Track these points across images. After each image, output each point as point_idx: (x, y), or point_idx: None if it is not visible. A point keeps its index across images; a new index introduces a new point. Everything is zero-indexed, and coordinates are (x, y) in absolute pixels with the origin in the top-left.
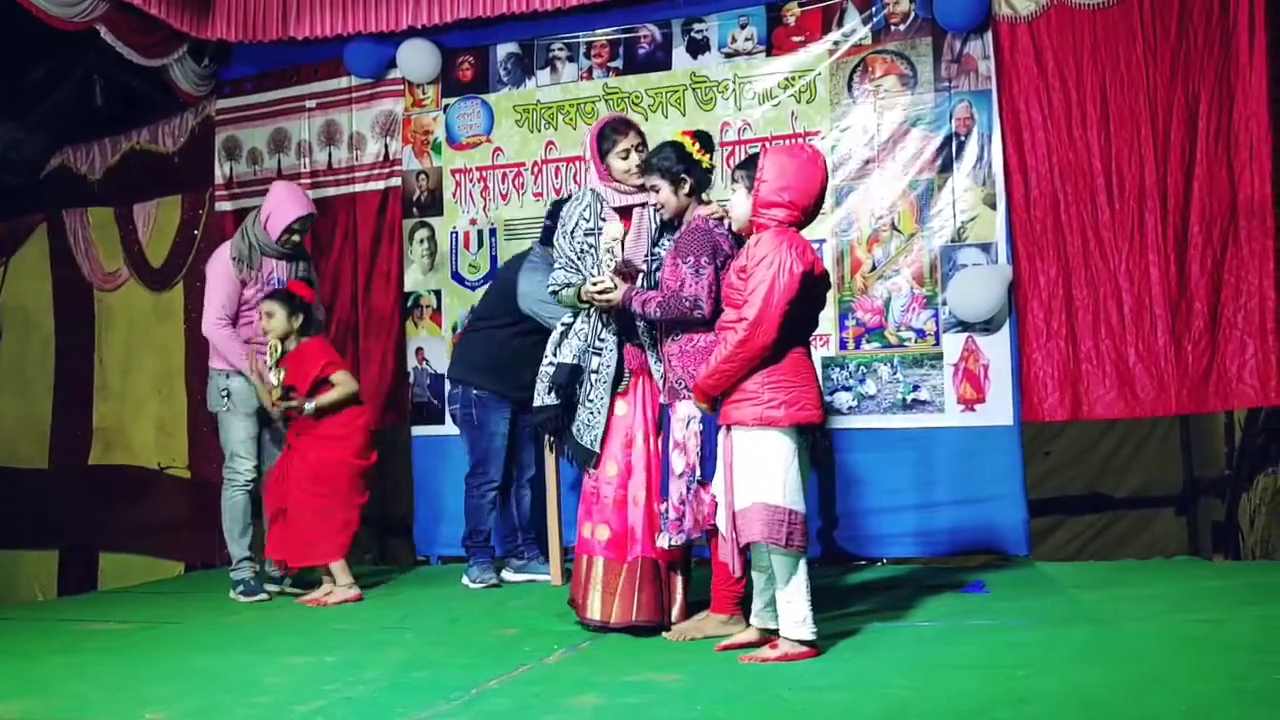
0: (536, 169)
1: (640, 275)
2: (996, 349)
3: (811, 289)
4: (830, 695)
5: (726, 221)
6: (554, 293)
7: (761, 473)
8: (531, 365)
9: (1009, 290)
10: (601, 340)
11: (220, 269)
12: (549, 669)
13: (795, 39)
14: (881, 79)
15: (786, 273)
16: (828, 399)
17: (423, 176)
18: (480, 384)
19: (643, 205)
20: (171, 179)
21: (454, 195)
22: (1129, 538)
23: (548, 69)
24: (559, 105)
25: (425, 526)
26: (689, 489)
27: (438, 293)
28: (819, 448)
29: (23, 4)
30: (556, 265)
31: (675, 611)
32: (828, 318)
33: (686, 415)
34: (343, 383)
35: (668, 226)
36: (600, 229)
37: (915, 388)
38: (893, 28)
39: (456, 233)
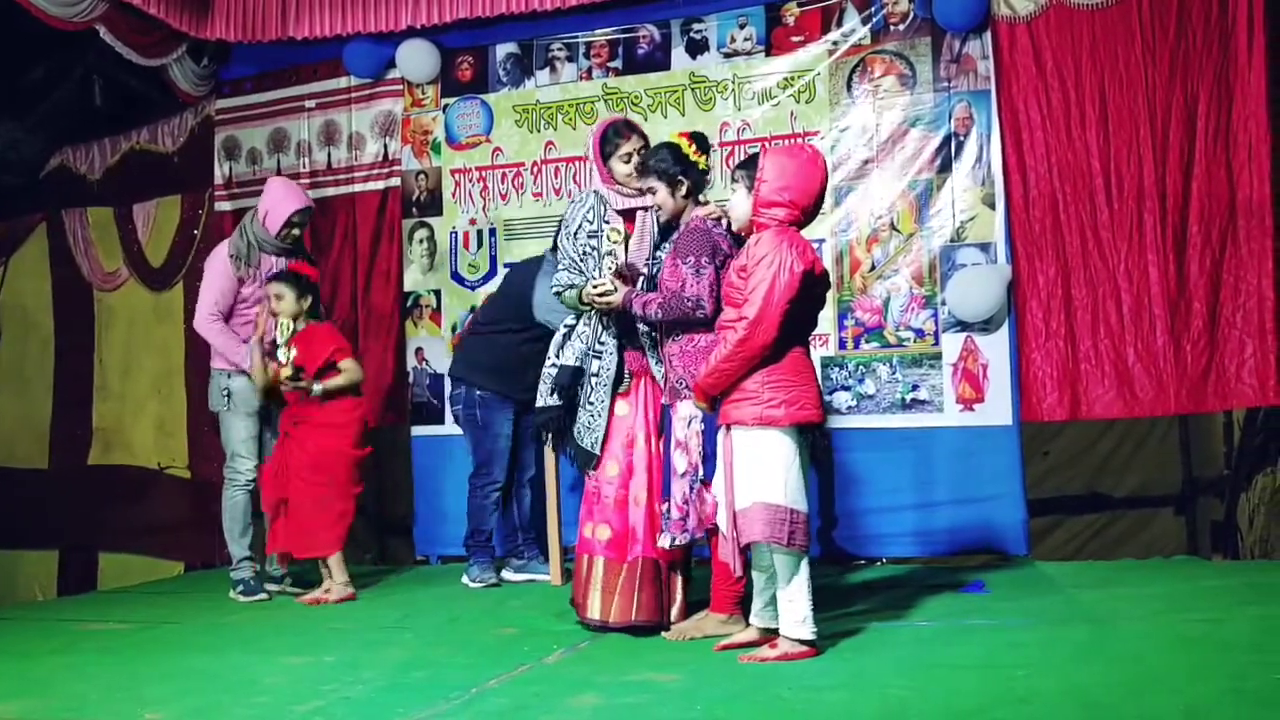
0: (536, 169)
1: (641, 278)
2: (995, 349)
3: (811, 288)
4: (829, 695)
5: (724, 221)
6: (557, 294)
7: (762, 472)
8: (536, 369)
9: (1008, 290)
10: (602, 343)
11: (217, 266)
12: (548, 669)
13: (794, 39)
14: (881, 79)
15: (787, 272)
16: (827, 399)
17: (422, 176)
18: (484, 385)
19: (646, 209)
20: (171, 179)
21: (453, 195)
22: (1128, 537)
23: (547, 69)
24: (558, 105)
25: (425, 526)
26: (691, 488)
27: (437, 293)
28: (819, 447)
29: (22, 4)
30: (560, 266)
31: (675, 611)
32: (827, 317)
33: (688, 415)
34: (350, 370)
35: (666, 228)
36: (603, 231)
37: (914, 387)
38: (892, 28)
39: (456, 233)
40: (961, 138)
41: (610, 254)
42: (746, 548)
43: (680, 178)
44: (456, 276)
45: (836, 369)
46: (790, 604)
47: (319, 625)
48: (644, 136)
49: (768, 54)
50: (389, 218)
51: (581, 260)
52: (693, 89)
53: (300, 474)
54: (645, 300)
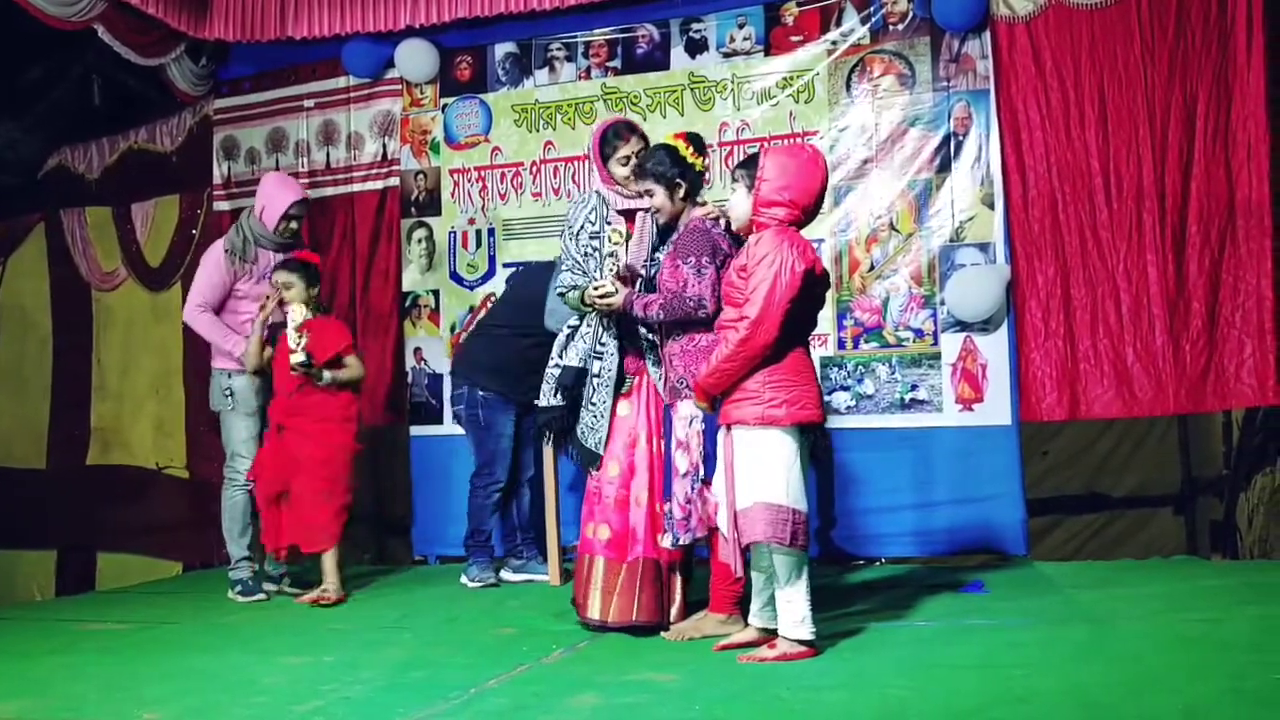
0: (535, 169)
1: (639, 280)
2: (995, 349)
3: (812, 288)
4: (828, 695)
5: (723, 221)
6: (561, 295)
7: (763, 472)
8: (539, 373)
9: (1007, 290)
10: (603, 344)
11: (211, 260)
12: (547, 669)
13: (793, 39)
14: (880, 79)
15: (788, 271)
16: (826, 398)
17: (421, 176)
18: (487, 385)
19: (646, 210)
20: (169, 178)
21: (452, 195)
22: (1127, 537)
23: (546, 69)
24: (557, 105)
25: (423, 526)
26: (693, 488)
27: (436, 292)
28: (819, 447)
29: (20, 3)
30: (563, 267)
31: (674, 611)
32: (826, 317)
33: (688, 414)
34: (355, 366)
35: (664, 230)
36: (605, 231)
37: (913, 387)
38: (891, 27)
39: (455, 232)
40: (960, 137)
41: (612, 255)
42: (747, 548)
43: (678, 180)
44: (455, 276)
45: (835, 369)
46: (789, 604)
47: (318, 625)
48: (644, 138)
49: (767, 54)
50: (387, 217)
51: (583, 260)
52: (692, 89)
53: (307, 467)
54: (646, 301)
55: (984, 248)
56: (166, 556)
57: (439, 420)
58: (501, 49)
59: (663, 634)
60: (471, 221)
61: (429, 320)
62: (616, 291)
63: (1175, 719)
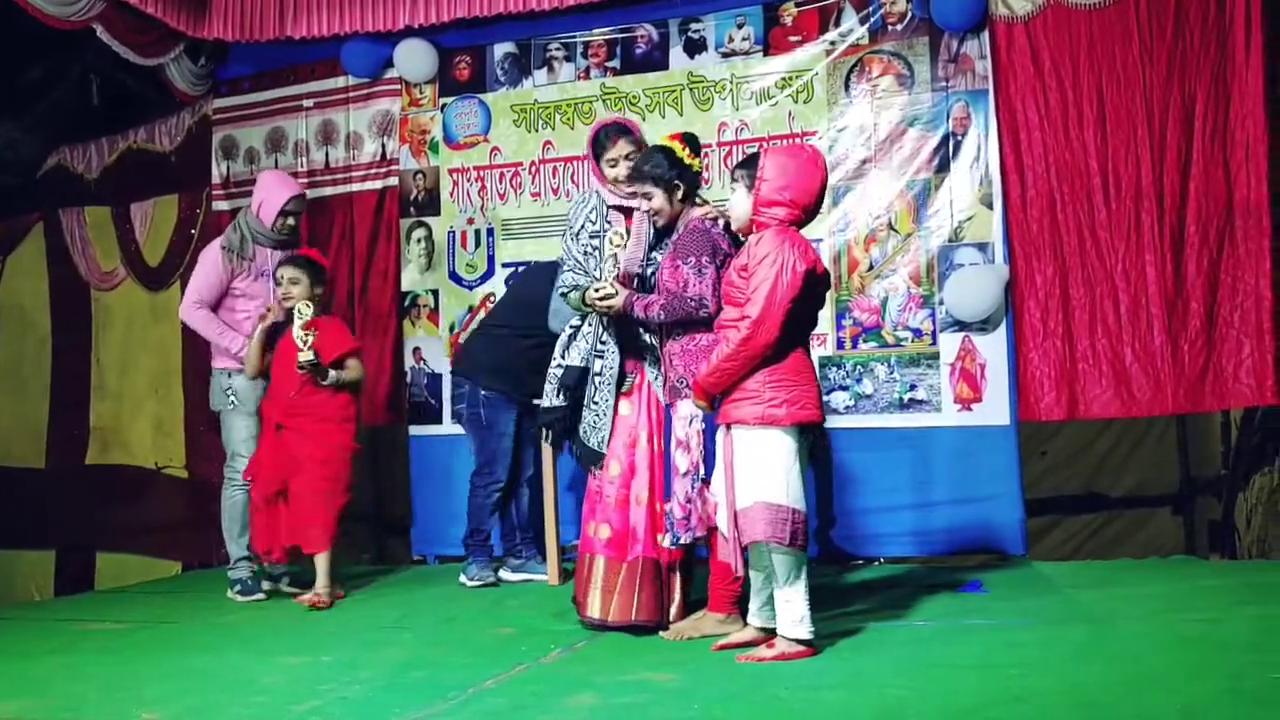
0: (534, 169)
1: (636, 279)
2: (993, 348)
3: (813, 287)
4: (827, 694)
5: (721, 221)
6: (564, 295)
7: (763, 472)
8: (540, 374)
9: (1006, 290)
10: (604, 343)
11: (209, 257)
12: (546, 668)
13: (792, 39)
14: (878, 79)
15: (790, 271)
16: (824, 398)
17: (420, 176)
18: (489, 385)
19: (641, 210)
20: (168, 178)
21: (451, 195)
22: (1125, 537)
23: (545, 69)
24: (556, 105)
25: (422, 526)
26: (693, 487)
27: (435, 292)
28: (818, 447)
29: (19, 3)
30: (565, 267)
31: (673, 611)
32: (825, 317)
33: (689, 414)
34: (357, 368)
35: (662, 231)
36: (606, 230)
37: (912, 387)
38: (890, 27)
39: (454, 232)
40: (959, 137)
41: (613, 257)
42: (746, 547)
43: (676, 181)
44: (454, 276)
45: (834, 369)
46: (787, 604)
47: (317, 625)
48: (635, 140)
49: (766, 54)
50: (386, 217)
51: (584, 260)
52: (691, 89)
53: (308, 468)
54: (647, 303)
55: (982, 248)
56: (165, 556)
57: (438, 420)
58: (500, 49)
59: (661, 633)
60: (470, 221)
61: (428, 320)
62: (616, 293)
63: (1173, 719)
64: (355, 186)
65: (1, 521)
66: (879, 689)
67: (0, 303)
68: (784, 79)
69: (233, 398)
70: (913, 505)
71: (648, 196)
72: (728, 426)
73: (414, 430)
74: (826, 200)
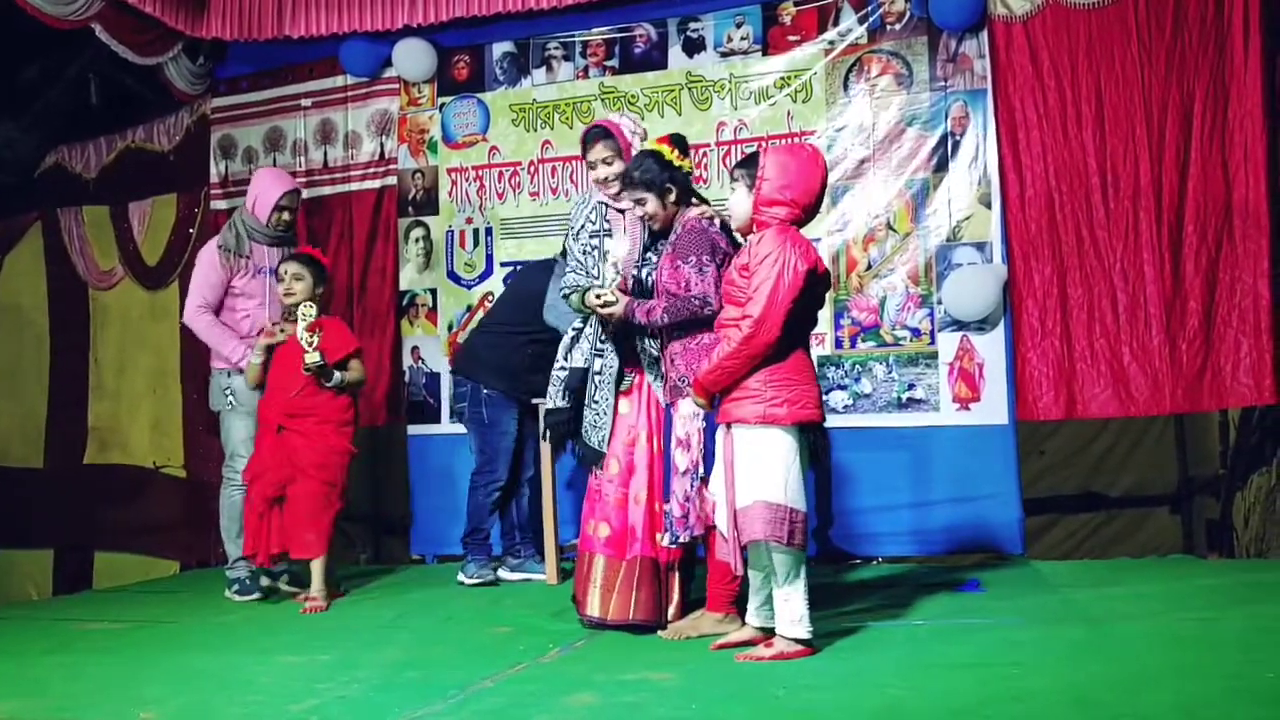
0: (533, 168)
1: (632, 280)
2: (991, 348)
3: (814, 287)
4: (825, 694)
5: (717, 220)
6: (566, 296)
7: (763, 471)
8: (541, 372)
9: (1004, 289)
10: (603, 342)
11: (206, 258)
12: (544, 668)
13: (791, 38)
14: (877, 78)
15: (791, 270)
16: (823, 398)
17: (418, 175)
18: (491, 384)
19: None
20: (167, 177)
21: (450, 194)
22: (1123, 536)
23: (543, 68)
24: (555, 104)
25: (421, 526)
26: (692, 485)
27: (433, 291)
28: (819, 447)
29: (18, 2)
30: (568, 269)
31: (672, 610)
32: (823, 317)
33: (689, 413)
34: (359, 369)
35: (658, 234)
36: (606, 229)
37: (910, 386)
38: (888, 27)
39: (452, 231)
40: (958, 137)
41: (614, 265)
42: (745, 546)
43: (668, 185)
44: (453, 275)
45: (833, 368)
46: (786, 603)
47: (315, 624)
48: (615, 144)
49: (764, 53)
50: (385, 216)
51: (584, 258)
52: (689, 88)
53: (307, 471)
54: (649, 308)
55: (981, 247)
56: (163, 556)
57: (436, 419)
58: (499, 48)
59: (660, 633)
60: (469, 220)
61: (426, 319)
62: (617, 301)
63: (1171, 718)
64: (354, 186)
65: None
66: (877, 688)
67: None
68: (783, 78)
69: (231, 398)
70: (911, 505)
71: (641, 202)
72: (728, 425)
73: (412, 430)
74: (825, 200)
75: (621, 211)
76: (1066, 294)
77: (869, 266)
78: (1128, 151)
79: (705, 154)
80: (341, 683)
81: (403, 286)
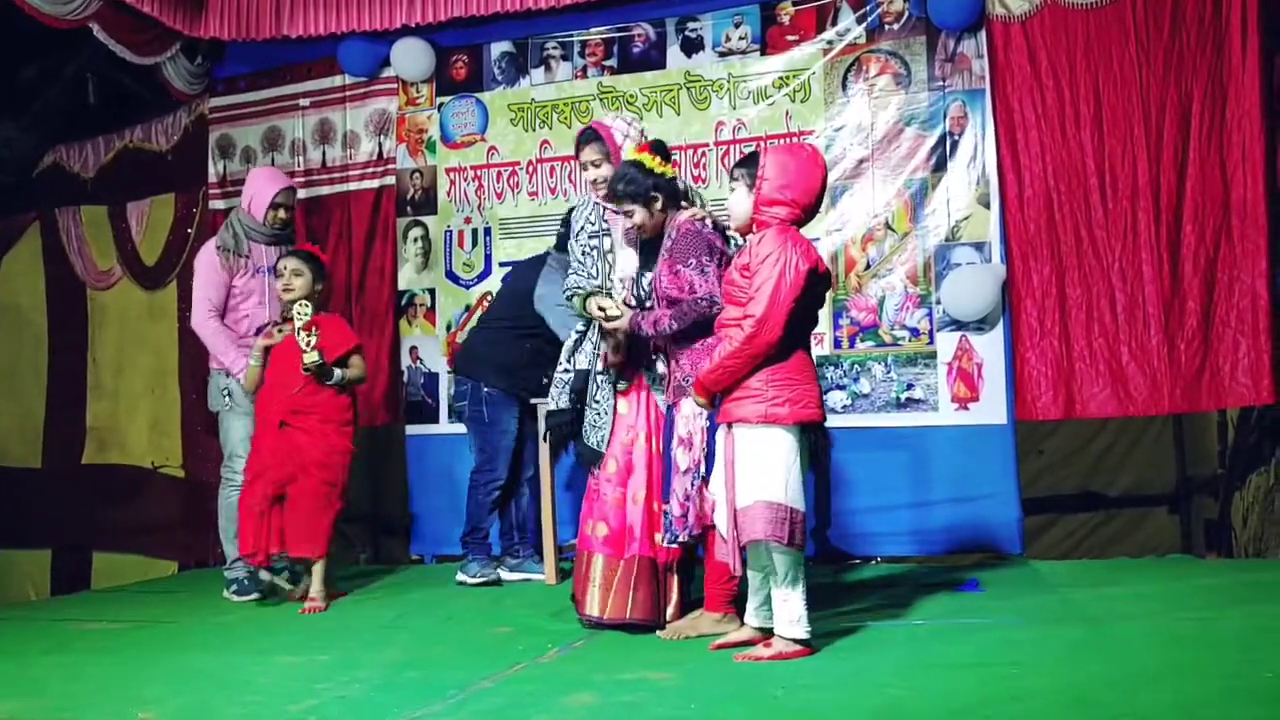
0: (531, 168)
1: (632, 282)
2: (990, 348)
3: (815, 286)
4: (824, 694)
5: (708, 221)
6: (569, 298)
7: (764, 470)
8: (541, 369)
9: (1002, 289)
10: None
11: (206, 260)
12: (543, 667)
13: (789, 38)
14: (876, 78)
15: (793, 270)
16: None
17: (417, 175)
18: (492, 382)
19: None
20: (165, 177)
21: (448, 194)
22: (1122, 536)
23: (542, 68)
24: (553, 104)
25: (420, 526)
26: (693, 485)
27: (432, 291)
28: (819, 447)
29: (16, 2)
30: (571, 271)
31: (670, 611)
32: (822, 316)
33: (693, 412)
34: (360, 366)
35: (650, 242)
36: (605, 229)
37: (909, 386)
38: (887, 27)
39: (451, 231)
40: (956, 137)
41: (623, 280)
42: (745, 546)
43: (653, 193)
44: (451, 275)
45: (832, 368)
46: (785, 603)
47: (314, 624)
48: (603, 148)
49: (763, 53)
50: (383, 216)
51: (583, 259)
52: (688, 88)
53: (309, 470)
54: (655, 318)
55: (979, 247)
56: (162, 556)
57: (435, 419)
58: (497, 48)
59: (659, 633)
60: (467, 220)
61: (425, 319)
62: (621, 315)
63: (1170, 717)
64: (352, 185)
65: None
66: (876, 688)
67: None
68: (781, 78)
69: (229, 399)
70: (910, 504)
71: (629, 214)
72: (729, 425)
73: (411, 430)
74: (824, 200)
75: (619, 213)
76: (1065, 294)
77: (868, 266)
78: (1126, 151)
79: (704, 154)
80: (340, 683)
81: (401, 286)
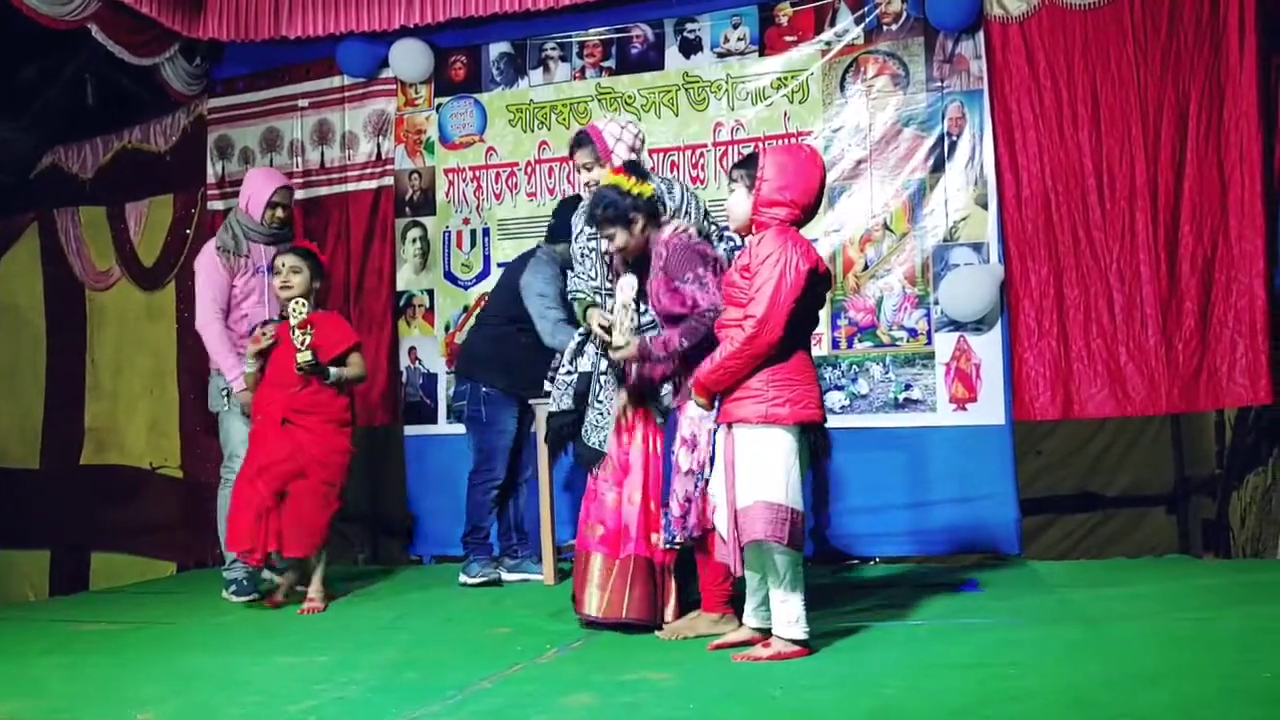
0: (530, 169)
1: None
2: (988, 348)
3: (815, 287)
4: (822, 694)
5: (692, 230)
6: (574, 300)
7: (764, 471)
8: (536, 365)
9: (1000, 290)
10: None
11: (206, 262)
12: (542, 668)
13: (788, 39)
14: (874, 79)
15: (793, 270)
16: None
17: (415, 176)
18: (491, 381)
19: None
20: (163, 178)
21: (447, 195)
22: (1120, 536)
23: (540, 69)
24: (552, 105)
25: (419, 526)
26: (695, 486)
27: (430, 292)
28: (820, 447)
29: (14, 3)
30: (573, 274)
31: (669, 611)
32: (820, 317)
33: (697, 414)
34: (359, 364)
35: (637, 261)
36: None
37: (907, 387)
38: (885, 28)
39: (449, 232)
40: (954, 138)
41: (624, 308)
42: (744, 547)
43: (632, 215)
44: (450, 276)
45: (830, 368)
46: (783, 604)
47: (312, 625)
48: (594, 152)
49: (761, 54)
50: (382, 217)
51: (581, 259)
52: (686, 89)
53: (310, 469)
54: (665, 340)
55: (977, 247)
56: (161, 556)
57: (433, 420)
58: (496, 49)
59: (657, 633)
60: (466, 221)
61: (423, 320)
62: (627, 344)
63: (1168, 717)
64: (350, 186)
65: None
66: (874, 688)
67: None
68: (779, 79)
69: (228, 400)
70: (908, 505)
71: (610, 238)
72: (729, 425)
73: (409, 430)
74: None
75: (601, 238)
76: (1063, 294)
77: (866, 267)
78: (1124, 152)
79: (702, 155)
80: (339, 684)
81: (400, 287)
